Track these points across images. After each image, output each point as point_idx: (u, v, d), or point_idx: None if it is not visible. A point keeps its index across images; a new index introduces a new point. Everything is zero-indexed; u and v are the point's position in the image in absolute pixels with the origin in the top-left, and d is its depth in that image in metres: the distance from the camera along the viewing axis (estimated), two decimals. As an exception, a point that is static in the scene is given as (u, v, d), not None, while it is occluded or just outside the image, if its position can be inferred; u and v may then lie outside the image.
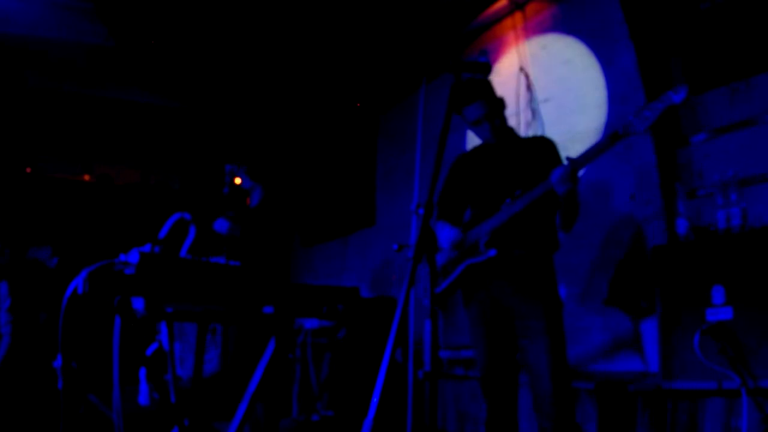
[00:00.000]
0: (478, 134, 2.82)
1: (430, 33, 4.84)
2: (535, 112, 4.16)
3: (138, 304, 1.85)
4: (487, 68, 2.42)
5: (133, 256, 1.82)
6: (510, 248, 2.61)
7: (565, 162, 2.44)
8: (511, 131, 2.86)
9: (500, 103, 2.79)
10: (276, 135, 7.19)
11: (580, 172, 2.45)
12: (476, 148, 2.95)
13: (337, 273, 6.69)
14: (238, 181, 3.95)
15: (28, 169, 7.17)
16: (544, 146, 2.79)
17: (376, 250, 6.10)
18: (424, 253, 1.82)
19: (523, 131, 4.22)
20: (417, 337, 2.56)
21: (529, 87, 4.29)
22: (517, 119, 4.28)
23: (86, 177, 7.50)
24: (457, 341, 4.05)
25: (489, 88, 2.74)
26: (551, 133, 4.03)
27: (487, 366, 2.66)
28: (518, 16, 4.54)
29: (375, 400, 1.59)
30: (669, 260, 2.87)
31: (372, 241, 6.21)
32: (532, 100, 4.22)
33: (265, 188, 3.98)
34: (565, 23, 4.17)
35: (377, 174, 6.31)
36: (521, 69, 4.38)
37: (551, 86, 4.19)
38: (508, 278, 2.63)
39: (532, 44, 4.40)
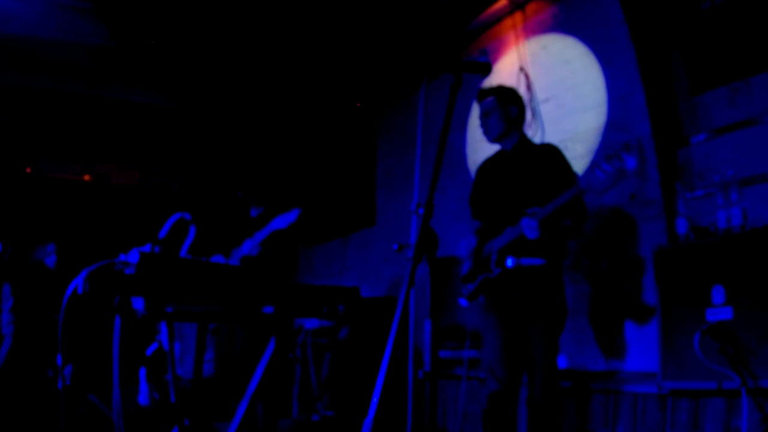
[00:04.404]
0: (487, 131, 3.05)
1: (430, 33, 4.84)
2: (535, 112, 4.16)
3: (138, 304, 1.85)
4: (487, 68, 2.40)
5: (133, 256, 1.82)
6: (517, 263, 2.81)
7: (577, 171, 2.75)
8: (524, 138, 3.06)
9: (511, 93, 3.05)
10: (276, 135, 7.19)
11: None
12: (494, 156, 3.16)
13: (337, 273, 6.69)
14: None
15: (28, 169, 7.17)
16: (552, 156, 2.95)
17: (376, 250, 6.10)
18: (424, 253, 1.81)
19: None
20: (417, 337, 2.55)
21: (529, 87, 4.28)
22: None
23: (86, 177, 7.50)
24: (455, 342, 4.04)
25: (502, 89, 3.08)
26: (551, 133, 4.03)
27: (495, 366, 2.83)
28: (518, 16, 4.54)
29: (375, 400, 1.59)
30: (669, 260, 2.87)
31: (372, 241, 6.21)
32: (532, 100, 4.21)
33: (268, 209, 3.97)
34: (565, 23, 4.17)
35: (377, 174, 6.31)
36: (521, 69, 4.38)
37: (551, 86, 4.19)
38: (516, 291, 2.84)
39: (532, 44, 4.40)
